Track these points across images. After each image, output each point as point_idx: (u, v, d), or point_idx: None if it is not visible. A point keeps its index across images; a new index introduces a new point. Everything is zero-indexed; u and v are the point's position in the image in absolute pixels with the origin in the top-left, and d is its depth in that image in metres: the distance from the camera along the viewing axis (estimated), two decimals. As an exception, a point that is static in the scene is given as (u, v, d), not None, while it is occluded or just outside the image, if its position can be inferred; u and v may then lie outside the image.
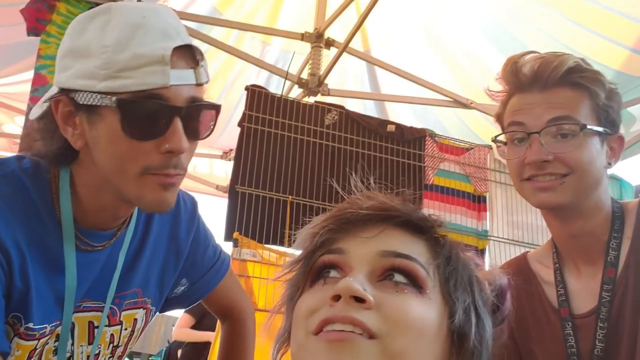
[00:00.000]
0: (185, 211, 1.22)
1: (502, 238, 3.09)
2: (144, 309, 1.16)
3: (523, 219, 3.08)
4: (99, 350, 1.10)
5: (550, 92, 1.14)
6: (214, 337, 2.86)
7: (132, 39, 0.89)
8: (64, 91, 0.94)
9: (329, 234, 0.70)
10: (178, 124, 0.92)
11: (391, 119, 3.93)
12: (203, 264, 1.26)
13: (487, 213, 3.17)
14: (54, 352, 1.03)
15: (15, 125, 4.36)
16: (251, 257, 2.73)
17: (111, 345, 1.12)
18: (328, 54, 3.40)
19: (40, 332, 0.98)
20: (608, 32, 2.96)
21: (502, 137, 1.23)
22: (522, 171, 1.17)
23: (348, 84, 4.11)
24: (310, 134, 2.99)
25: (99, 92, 0.90)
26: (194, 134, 0.97)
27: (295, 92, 3.65)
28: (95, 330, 1.08)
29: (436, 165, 3.19)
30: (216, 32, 3.57)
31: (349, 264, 0.66)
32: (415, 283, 0.65)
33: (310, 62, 3.34)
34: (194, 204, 1.26)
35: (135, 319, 1.15)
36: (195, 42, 3.46)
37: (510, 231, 3.10)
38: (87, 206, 1.01)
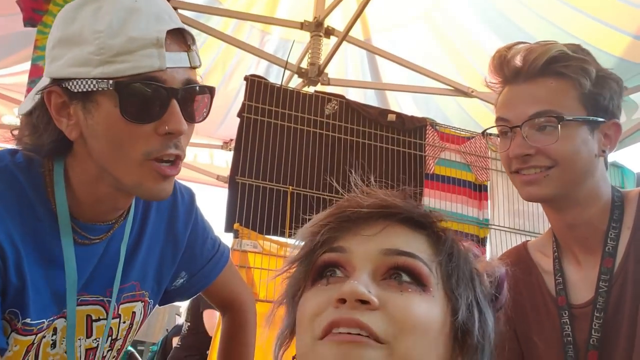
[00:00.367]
0: (183, 203, 1.21)
1: (503, 227, 3.09)
2: (142, 302, 1.15)
3: (524, 208, 3.08)
4: (97, 344, 1.10)
5: (534, 83, 1.13)
6: (215, 329, 2.87)
7: (125, 23, 0.89)
8: (56, 81, 0.93)
9: (329, 233, 0.69)
10: (175, 105, 0.92)
11: (392, 108, 3.91)
12: (202, 256, 1.26)
13: (488, 202, 3.16)
14: (52, 345, 1.03)
15: (14, 116, 4.35)
16: (252, 248, 2.73)
17: (109, 338, 1.12)
18: (328, 43, 3.38)
19: (38, 327, 0.98)
20: (610, 18, 2.93)
21: (493, 130, 1.23)
22: (510, 164, 1.18)
23: (349, 73, 4.09)
24: (311, 124, 2.98)
25: (94, 78, 0.89)
26: (191, 116, 0.97)
27: (295, 82, 3.63)
28: (94, 323, 1.08)
29: (437, 155, 3.17)
30: (215, 22, 3.54)
31: (351, 262, 0.66)
32: (419, 281, 0.64)
33: (309, 51, 3.31)
34: (191, 195, 1.25)
35: (134, 312, 1.14)
36: (194, 32, 3.45)
37: (511, 220, 3.10)
38: (83, 199, 1.00)
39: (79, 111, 0.93)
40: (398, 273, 0.64)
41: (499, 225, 3.09)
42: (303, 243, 0.72)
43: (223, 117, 4.34)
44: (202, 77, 1.01)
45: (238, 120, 2.95)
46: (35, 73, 2.39)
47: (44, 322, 0.99)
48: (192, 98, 0.97)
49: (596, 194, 1.17)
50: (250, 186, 2.80)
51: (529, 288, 1.28)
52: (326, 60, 3.20)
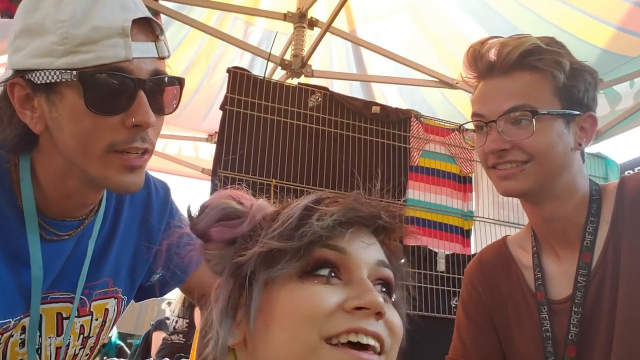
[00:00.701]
0: (157, 197, 1.19)
1: (488, 218, 3.09)
2: (115, 299, 1.13)
3: (508, 199, 3.08)
4: (69, 342, 1.07)
5: (509, 77, 1.13)
6: (198, 326, 2.85)
7: (89, 12, 0.86)
8: (18, 73, 0.90)
9: (329, 230, 0.67)
10: (143, 97, 0.89)
11: (378, 100, 3.90)
12: (178, 251, 1.23)
13: (473, 194, 3.17)
14: (21, 344, 1.00)
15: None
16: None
17: (81, 336, 1.09)
18: (312, 35, 3.34)
19: (4, 326, 0.95)
20: (594, 10, 2.93)
21: (469, 125, 1.22)
22: (486, 159, 1.17)
23: (334, 65, 4.06)
24: (294, 117, 2.95)
25: (58, 69, 0.86)
26: (159, 107, 0.94)
27: (279, 74, 3.60)
28: (65, 321, 1.06)
29: (422, 147, 3.16)
30: (198, 13, 3.50)
31: (348, 265, 0.67)
32: (390, 292, 0.71)
33: (293, 42, 3.28)
34: (166, 190, 1.23)
35: (107, 309, 1.12)
36: (176, 24, 3.37)
37: (495, 211, 3.10)
38: (51, 194, 0.97)
39: (43, 103, 0.90)
40: (381, 285, 0.69)
41: (483, 217, 3.09)
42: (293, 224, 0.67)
43: (207, 110, 4.30)
44: (172, 67, 0.98)
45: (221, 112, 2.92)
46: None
47: (10, 322, 0.96)
48: (161, 89, 0.94)
49: (573, 187, 1.17)
50: (233, 179, 2.77)
51: (508, 284, 1.27)
52: (309, 51, 3.17)
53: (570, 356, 1.13)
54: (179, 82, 0.99)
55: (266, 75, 3.07)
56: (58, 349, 1.07)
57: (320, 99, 3.04)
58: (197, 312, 3.89)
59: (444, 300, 2.87)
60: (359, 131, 3.06)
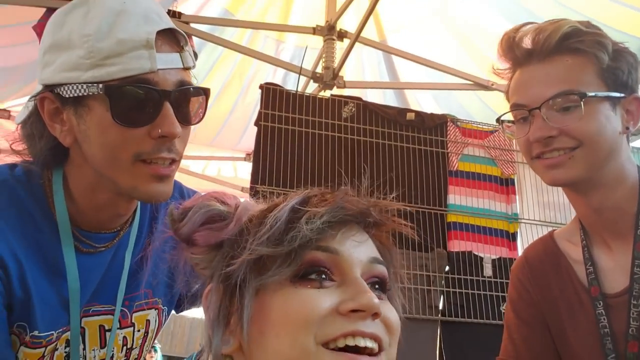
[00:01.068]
0: None
1: (534, 220, 2.99)
2: (155, 310, 1.14)
3: (554, 199, 2.98)
4: (113, 354, 1.09)
5: (549, 62, 1.09)
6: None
7: (114, 25, 0.88)
8: (48, 87, 0.93)
9: (318, 232, 0.65)
10: (169, 108, 0.90)
11: (412, 107, 3.86)
12: None
13: (516, 196, 3.07)
14: (66, 357, 1.02)
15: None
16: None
17: (125, 347, 1.10)
18: (342, 47, 3.36)
19: (47, 339, 0.97)
20: (631, 0, 2.84)
21: (508, 116, 1.18)
22: (530, 148, 1.13)
23: (366, 75, 4.06)
24: (329, 128, 2.95)
25: (85, 83, 0.88)
26: (185, 118, 0.95)
27: (312, 88, 3.62)
28: (107, 333, 1.07)
29: (460, 151, 3.10)
30: (229, 34, 3.57)
31: (340, 266, 0.65)
32: (385, 288, 0.70)
33: (323, 55, 3.30)
34: None
35: (148, 320, 1.13)
36: (209, 47, 3.45)
37: (541, 212, 3.00)
38: (84, 206, 0.99)
39: (72, 116, 0.93)
40: (375, 281, 0.68)
41: (529, 219, 3.00)
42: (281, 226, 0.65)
43: (243, 129, 4.36)
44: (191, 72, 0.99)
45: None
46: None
47: (52, 334, 0.98)
48: (186, 99, 0.95)
49: (622, 174, 1.11)
50: (271, 194, 2.78)
51: (558, 280, 1.22)
52: (340, 63, 3.19)
53: (634, 352, 1.06)
54: (204, 92, 0.99)
55: (299, 89, 3.10)
56: None
57: (353, 109, 3.04)
58: None
59: (493, 306, 2.78)
60: (395, 139, 3.04)
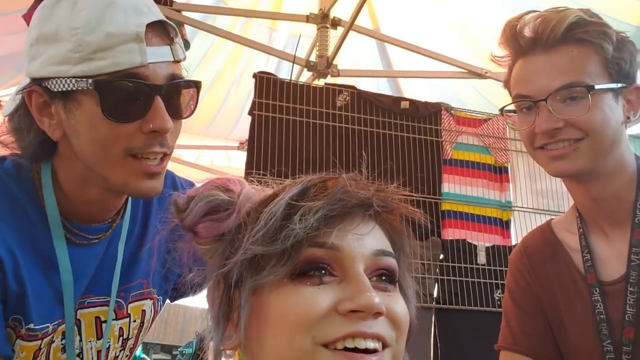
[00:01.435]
0: None
1: (527, 208, 3.01)
2: (151, 300, 1.14)
3: (547, 187, 2.99)
4: (109, 345, 1.09)
5: (554, 52, 1.08)
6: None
7: (102, 17, 0.86)
8: (36, 81, 0.91)
9: (313, 228, 0.61)
10: (159, 102, 0.89)
11: (406, 95, 3.86)
12: None
13: (510, 184, 3.09)
14: (62, 349, 1.02)
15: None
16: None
17: (121, 338, 1.11)
18: (336, 35, 3.34)
19: (43, 331, 0.97)
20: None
21: (510, 107, 1.18)
22: (533, 139, 1.13)
23: (360, 64, 4.04)
24: (323, 117, 2.94)
25: (74, 77, 0.87)
26: (177, 112, 0.94)
27: (306, 76, 3.61)
28: (103, 325, 1.07)
29: (454, 139, 3.11)
30: (222, 22, 3.54)
31: (342, 262, 0.62)
32: (393, 279, 0.66)
33: (317, 43, 3.28)
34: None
35: (144, 310, 1.13)
36: (201, 35, 3.42)
37: (534, 200, 3.01)
38: (75, 199, 0.99)
39: (61, 110, 0.91)
40: (383, 274, 0.65)
41: (522, 207, 3.01)
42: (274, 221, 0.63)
43: (237, 118, 4.34)
44: (194, 75, 0.98)
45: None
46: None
47: (48, 327, 0.98)
48: (177, 93, 0.94)
49: (622, 164, 1.12)
50: (265, 183, 2.77)
51: (556, 268, 1.23)
52: (334, 51, 3.17)
53: (629, 338, 1.08)
54: (196, 85, 0.98)
55: (292, 78, 3.08)
56: (99, 352, 1.08)
57: (348, 98, 3.03)
58: None
59: (487, 293, 2.80)
60: (389, 127, 3.03)
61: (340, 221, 0.63)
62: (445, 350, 2.71)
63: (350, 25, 3.03)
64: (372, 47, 3.96)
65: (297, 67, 3.34)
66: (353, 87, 3.10)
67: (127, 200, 1.07)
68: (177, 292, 1.23)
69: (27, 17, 2.52)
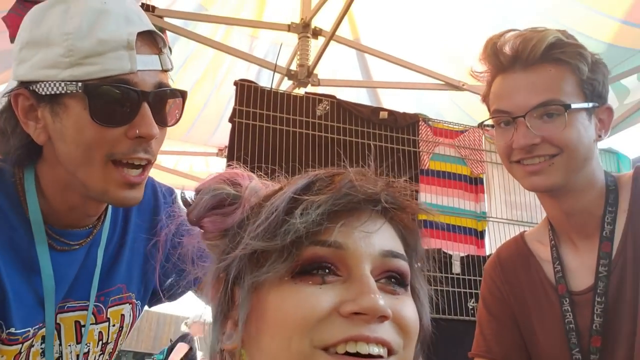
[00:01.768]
0: (165, 205, 1.20)
1: (501, 218, 3.07)
2: (130, 304, 1.15)
3: (521, 199, 3.06)
4: (88, 349, 1.09)
5: (533, 70, 1.12)
6: None
7: (94, 24, 0.88)
8: (23, 84, 0.92)
9: (318, 221, 0.58)
10: (147, 109, 0.91)
11: (385, 105, 3.90)
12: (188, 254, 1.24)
13: (485, 194, 3.15)
14: (42, 354, 1.02)
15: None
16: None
17: (100, 342, 1.11)
18: (317, 44, 3.37)
19: (23, 335, 0.97)
20: (598, 5, 2.93)
21: (488, 121, 1.22)
22: (510, 154, 1.17)
23: (340, 74, 4.08)
24: (303, 126, 2.96)
25: (63, 81, 0.88)
26: (162, 119, 0.96)
27: (286, 85, 3.63)
28: (83, 329, 1.07)
29: (431, 150, 3.16)
30: (203, 29, 3.54)
31: (346, 262, 0.59)
32: (403, 282, 0.63)
33: (298, 53, 3.31)
34: (172, 195, 1.24)
35: (123, 315, 1.14)
36: (182, 41, 3.40)
37: (508, 211, 3.08)
38: (56, 205, 0.99)
39: (47, 114, 0.92)
40: (391, 276, 0.61)
41: (496, 217, 3.07)
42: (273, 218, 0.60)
43: (216, 124, 4.33)
44: (174, 80, 1.01)
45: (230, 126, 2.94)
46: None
47: (29, 331, 0.98)
48: (164, 101, 0.96)
49: (592, 180, 1.17)
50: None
51: (528, 278, 1.27)
52: (315, 61, 3.20)
53: (596, 346, 1.12)
54: (182, 94, 1.00)
55: (273, 86, 3.10)
56: (78, 356, 1.08)
57: (328, 107, 3.06)
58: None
59: (461, 302, 2.85)
60: (368, 137, 3.07)
61: (346, 217, 0.60)
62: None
63: (332, 36, 3.07)
64: (352, 58, 4.00)
65: (277, 76, 3.36)
66: (333, 97, 3.13)
67: (107, 206, 1.08)
68: (157, 297, 1.24)
69: (7, 19, 2.49)
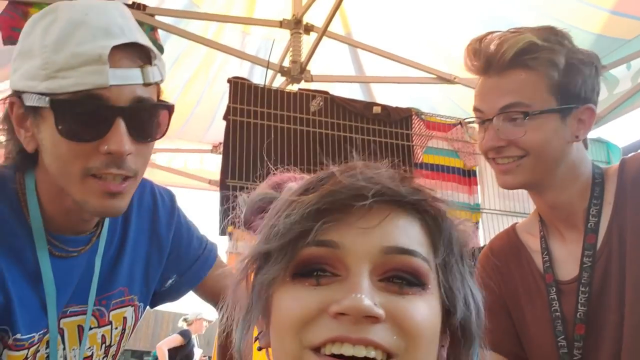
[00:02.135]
0: (164, 206, 1.21)
1: (495, 210, 3.11)
2: (132, 307, 1.16)
3: (513, 190, 3.09)
4: (92, 352, 1.10)
5: (505, 75, 1.16)
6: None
7: (71, 37, 0.87)
8: (16, 93, 0.93)
9: (314, 219, 0.58)
10: (120, 124, 0.89)
11: (378, 100, 3.92)
12: (189, 256, 1.26)
13: (478, 186, 3.19)
14: (47, 358, 1.03)
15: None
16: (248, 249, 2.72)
17: (104, 345, 1.12)
18: (309, 40, 3.37)
19: (29, 341, 0.98)
20: (586, -5, 2.95)
21: (472, 118, 1.27)
22: (486, 152, 1.22)
23: (333, 69, 4.09)
24: (297, 122, 2.99)
25: (40, 93, 0.88)
26: (142, 134, 0.94)
27: (279, 81, 3.63)
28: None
29: (424, 144, 3.19)
30: (194, 26, 3.54)
31: (343, 261, 0.57)
32: (418, 281, 0.58)
33: (290, 49, 3.31)
34: (171, 198, 1.25)
35: (125, 317, 1.15)
36: (173, 38, 3.38)
37: (501, 202, 3.12)
38: (52, 211, 1.00)
39: (33, 124, 0.93)
40: (398, 275, 0.57)
41: (490, 209, 3.12)
42: (280, 225, 0.60)
43: (210, 121, 4.33)
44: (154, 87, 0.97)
45: (225, 123, 2.95)
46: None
47: (34, 336, 0.99)
48: (144, 116, 0.94)
49: (573, 176, 1.20)
50: (241, 188, 2.80)
51: (519, 269, 1.30)
52: (307, 57, 3.20)
53: (580, 334, 1.15)
54: (167, 108, 0.98)
55: (266, 83, 3.11)
56: (84, 359, 1.10)
57: (321, 103, 3.08)
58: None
59: (457, 293, 2.88)
60: (362, 132, 3.09)
61: (343, 214, 0.58)
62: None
63: (324, 32, 3.08)
64: (345, 53, 4.01)
65: (270, 72, 3.37)
66: (326, 93, 3.15)
67: None
68: (159, 298, 1.26)
69: (0, 21, 2.49)
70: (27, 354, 0.99)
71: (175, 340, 6.71)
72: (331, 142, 3.02)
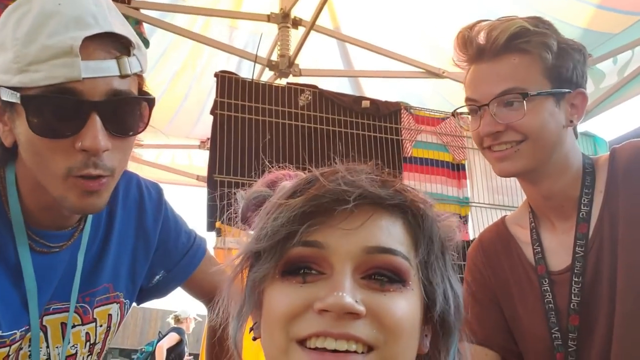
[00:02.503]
0: (150, 200, 1.19)
1: (484, 203, 3.13)
2: (117, 304, 1.14)
3: (502, 183, 3.11)
4: (76, 350, 1.08)
5: (498, 60, 1.16)
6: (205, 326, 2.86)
7: (42, 29, 0.83)
8: None
9: (300, 222, 0.62)
10: (95, 119, 0.85)
11: (367, 94, 3.91)
12: (176, 251, 1.24)
13: (467, 180, 3.20)
14: (29, 356, 1.01)
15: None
16: (236, 245, 2.70)
17: (88, 343, 1.10)
18: (297, 34, 3.35)
19: (10, 338, 0.96)
20: (573, -10, 2.96)
21: (463, 109, 1.25)
22: (481, 141, 1.20)
23: (321, 63, 4.07)
24: (285, 117, 2.97)
25: (12, 88, 0.85)
26: (119, 129, 0.90)
27: (267, 75, 3.61)
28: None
29: (413, 138, 3.19)
30: (181, 20, 3.50)
31: (328, 260, 0.61)
32: (399, 278, 0.62)
33: (279, 43, 3.29)
34: (158, 192, 1.23)
35: (110, 315, 1.13)
36: (159, 32, 3.33)
37: (490, 196, 3.14)
38: (33, 205, 0.97)
39: (9, 119, 0.90)
40: (379, 272, 0.61)
41: (479, 203, 3.13)
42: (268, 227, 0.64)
43: (198, 116, 4.30)
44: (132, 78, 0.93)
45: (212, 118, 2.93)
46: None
47: (16, 333, 0.97)
48: (121, 110, 0.89)
49: (566, 163, 1.20)
50: (229, 183, 2.78)
51: (509, 261, 1.30)
52: (295, 51, 3.19)
53: (574, 325, 1.15)
54: (146, 100, 0.94)
55: (254, 77, 3.08)
56: (67, 357, 1.08)
57: (310, 97, 3.06)
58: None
59: (446, 287, 2.89)
60: (351, 126, 3.09)
61: (328, 217, 0.62)
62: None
63: (312, 25, 3.06)
64: (333, 47, 3.99)
65: (258, 67, 3.34)
66: (315, 87, 3.13)
67: None
68: (146, 294, 1.24)
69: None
70: (9, 351, 0.96)
71: (174, 338, 6.82)
72: (320, 136, 3.01)
